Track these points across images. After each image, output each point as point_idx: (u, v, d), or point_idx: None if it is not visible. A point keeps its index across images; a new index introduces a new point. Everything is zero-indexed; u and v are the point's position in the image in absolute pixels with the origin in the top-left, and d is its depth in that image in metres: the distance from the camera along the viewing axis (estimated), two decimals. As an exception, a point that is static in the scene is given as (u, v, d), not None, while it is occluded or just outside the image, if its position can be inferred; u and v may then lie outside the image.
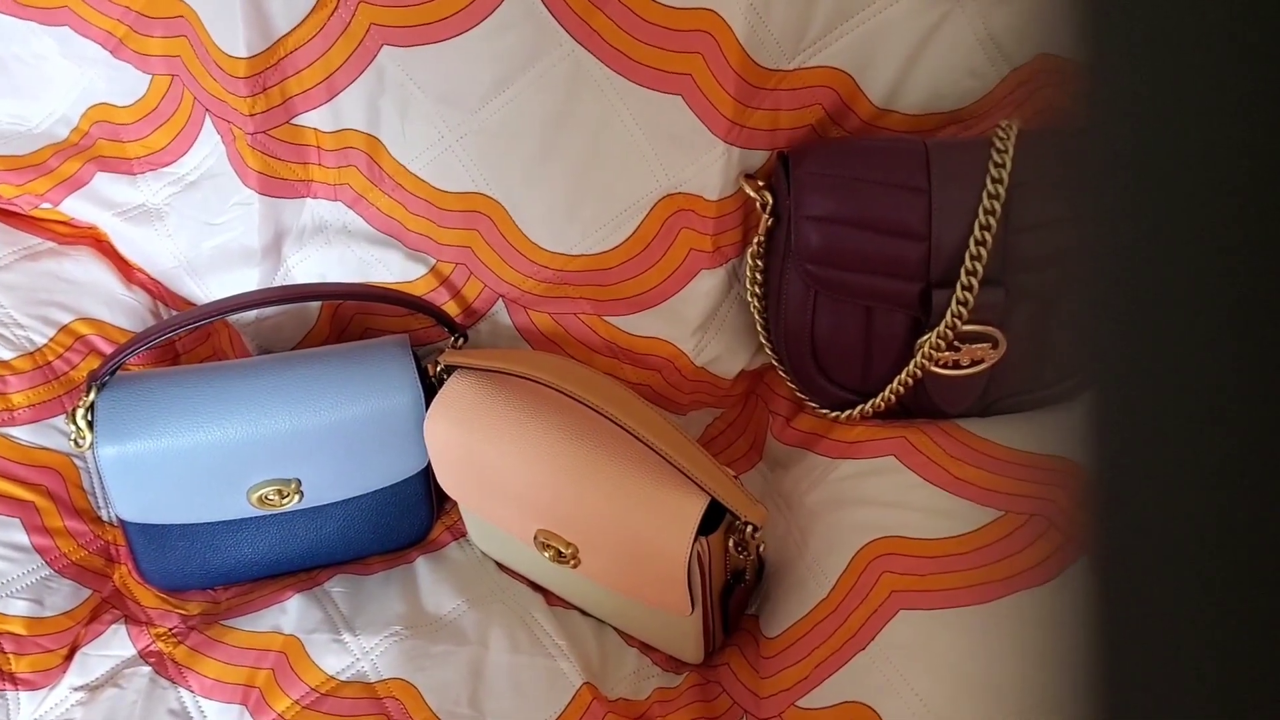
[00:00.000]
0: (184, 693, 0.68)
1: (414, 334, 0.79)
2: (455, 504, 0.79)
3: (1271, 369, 0.18)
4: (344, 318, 0.81)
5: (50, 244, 0.79)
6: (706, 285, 0.74)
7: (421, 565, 0.76)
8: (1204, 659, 0.20)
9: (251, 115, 0.70)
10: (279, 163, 0.73)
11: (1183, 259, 0.19)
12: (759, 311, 0.73)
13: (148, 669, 0.69)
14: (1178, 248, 0.19)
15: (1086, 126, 0.21)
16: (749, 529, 0.62)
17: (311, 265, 0.77)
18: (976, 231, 0.63)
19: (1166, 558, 0.20)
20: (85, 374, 0.74)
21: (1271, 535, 0.19)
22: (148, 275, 0.81)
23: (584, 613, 0.74)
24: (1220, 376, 0.19)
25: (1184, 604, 0.20)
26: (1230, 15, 0.18)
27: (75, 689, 0.68)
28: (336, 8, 0.67)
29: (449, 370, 0.71)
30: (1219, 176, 0.18)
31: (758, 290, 0.72)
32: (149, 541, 0.71)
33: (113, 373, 0.69)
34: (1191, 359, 0.19)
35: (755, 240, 0.71)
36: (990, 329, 0.66)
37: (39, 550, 0.70)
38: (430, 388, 0.72)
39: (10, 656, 0.67)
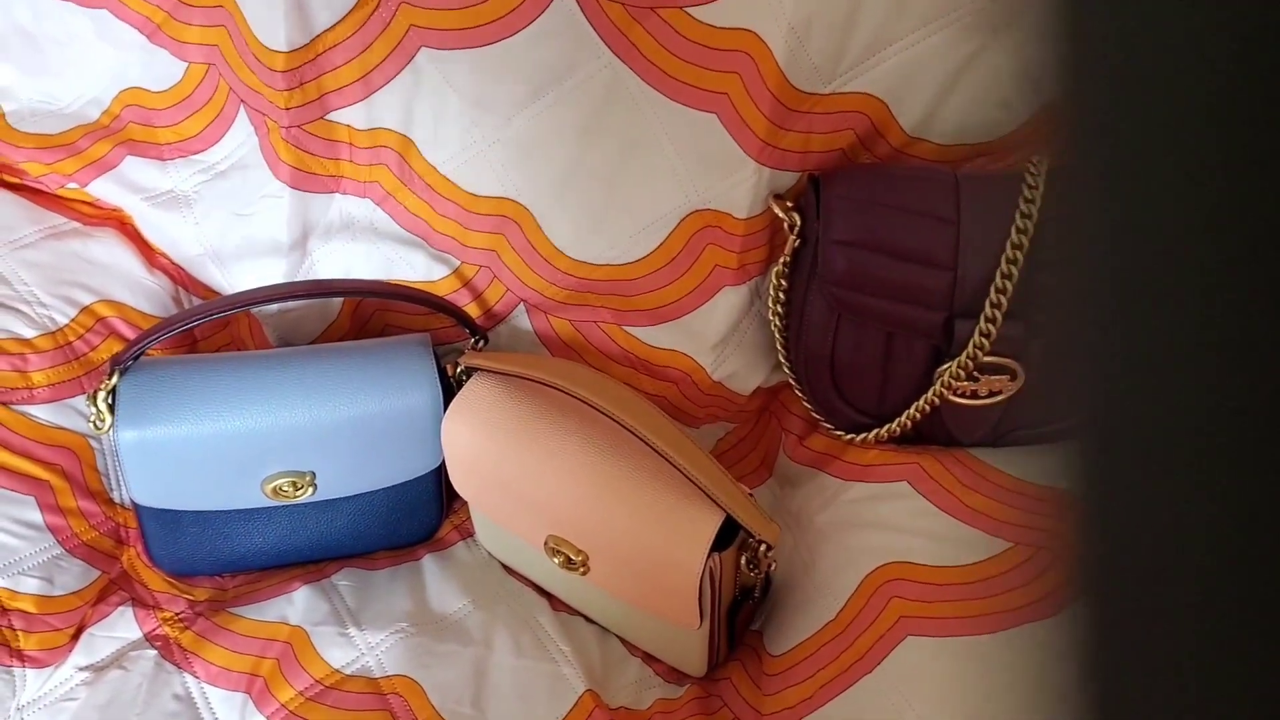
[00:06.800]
0: (189, 678, 0.69)
1: (434, 334, 0.79)
2: (464, 504, 0.79)
3: (1261, 392, 0.18)
4: (365, 314, 0.82)
5: (75, 224, 0.80)
6: (729, 302, 0.74)
7: (428, 563, 0.77)
8: (1198, 696, 0.20)
9: (287, 109, 0.71)
10: (311, 157, 0.73)
11: (1168, 285, 0.19)
12: (779, 330, 0.73)
13: (153, 653, 0.70)
14: (1162, 275, 0.19)
15: (1070, 160, 0.21)
16: (762, 547, 0.63)
17: (337, 260, 0.78)
18: (1003, 265, 0.63)
19: (1158, 590, 0.20)
20: (105, 356, 0.74)
21: (1267, 566, 0.19)
22: (170, 260, 0.81)
23: (588, 619, 0.74)
24: (1209, 402, 0.19)
25: (1176, 638, 0.20)
26: (1213, 47, 0.18)
27: (81, 669, 0.68)
28: (377, 7, 0.67)
29: (469, 372, 0.71)
30: (1203, 205, 0.18)
31: (779, 310, 0.73)
32: (161, 526, 0.72)
33: (136, 358, 0.69)
34: (1180, 385, 0.19)
35: (781, 260, 0.71)
36: (1009, 361, 0.66)
37: (51, 529, 0.70)
38: (449, 388, 0.72)
39: (19, 634, 0.67)
